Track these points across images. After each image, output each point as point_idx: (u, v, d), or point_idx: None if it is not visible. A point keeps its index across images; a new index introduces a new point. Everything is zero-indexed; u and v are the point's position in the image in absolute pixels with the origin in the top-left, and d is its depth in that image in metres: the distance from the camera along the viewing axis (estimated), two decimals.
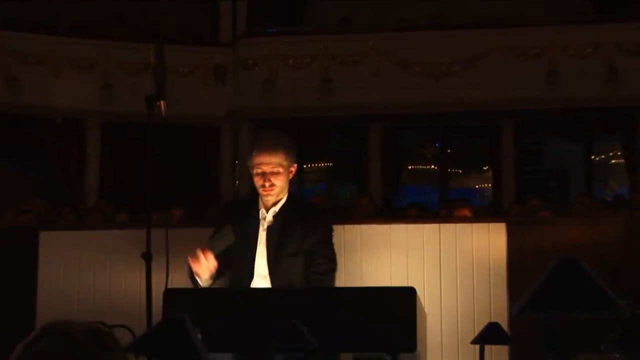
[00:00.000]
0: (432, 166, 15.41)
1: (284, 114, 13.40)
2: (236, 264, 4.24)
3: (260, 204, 4.28)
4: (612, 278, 1.54)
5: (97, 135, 13.66)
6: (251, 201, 4.38)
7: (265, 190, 4.19)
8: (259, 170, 4.18)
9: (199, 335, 1.70)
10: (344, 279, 4.63)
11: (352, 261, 5.03)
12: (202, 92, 13.38)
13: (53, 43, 13.42)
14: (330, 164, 15.52)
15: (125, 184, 12.58)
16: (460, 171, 15.57)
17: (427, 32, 13.37)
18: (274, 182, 4.17)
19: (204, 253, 4.02)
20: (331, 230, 4.36)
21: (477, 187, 15.23)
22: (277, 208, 4.25)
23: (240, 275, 4.22)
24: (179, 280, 4.07)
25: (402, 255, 5.17)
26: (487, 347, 3.40)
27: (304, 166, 14.92)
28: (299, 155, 4.31)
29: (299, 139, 14.10)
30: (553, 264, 1.53)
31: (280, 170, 4.19)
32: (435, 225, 5.39)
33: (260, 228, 4.25)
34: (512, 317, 4.36)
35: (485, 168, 14.96)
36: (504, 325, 3.56)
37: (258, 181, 4.20)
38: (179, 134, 12.07)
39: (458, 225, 5.44)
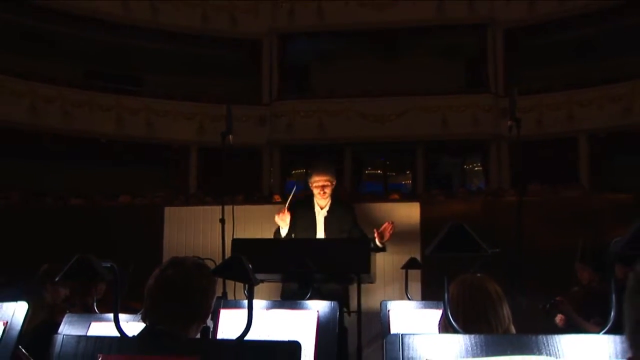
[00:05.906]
0: (379, 171, 15.36)
1: (297, 142, 13.40)
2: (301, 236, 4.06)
3: (315, 203, 4.12)
4: (477, 233, 1.52)
5: (195, 154, 13.57)
6: (309, 201, 4.19)
7: (322, 196, 4.05)
8: (317, 185, 4.04)
9: (250, 266, 1.67)
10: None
11: None
12: (252, 131, 13.25)
13: (172, 104, 13.33)
14: None
15: (210, 181, 12.55)
16: (394, 174, 15.52)
17: (377, 98, 13.27)
18: (326, 191, 4.06)
19: (284, 211, 3.95)
20: (356, 216, 4.21)
21: (403, 182, 15.16)
22: (328, 205, 4.10)
23: None
24: (240, 234, 4.04)
25: (364, 221, 5.15)
26: (409, 271, 3.38)
27: (308, 171, 14.84)
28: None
29: (306, 157, 14.21)
30: (447, 226, 1.50)
31: (329, 184, 4.07)
32: (381, 204, 5.37)
33: (319, 217, 4.09)
34: (424, 255, 4.34)
35: (408, 172, 14.92)
36: (419, 259, 3.53)
37: (316, 189, 4.05)
38: (239, 154, 12.02)
39: (393, 203, 5.42)
